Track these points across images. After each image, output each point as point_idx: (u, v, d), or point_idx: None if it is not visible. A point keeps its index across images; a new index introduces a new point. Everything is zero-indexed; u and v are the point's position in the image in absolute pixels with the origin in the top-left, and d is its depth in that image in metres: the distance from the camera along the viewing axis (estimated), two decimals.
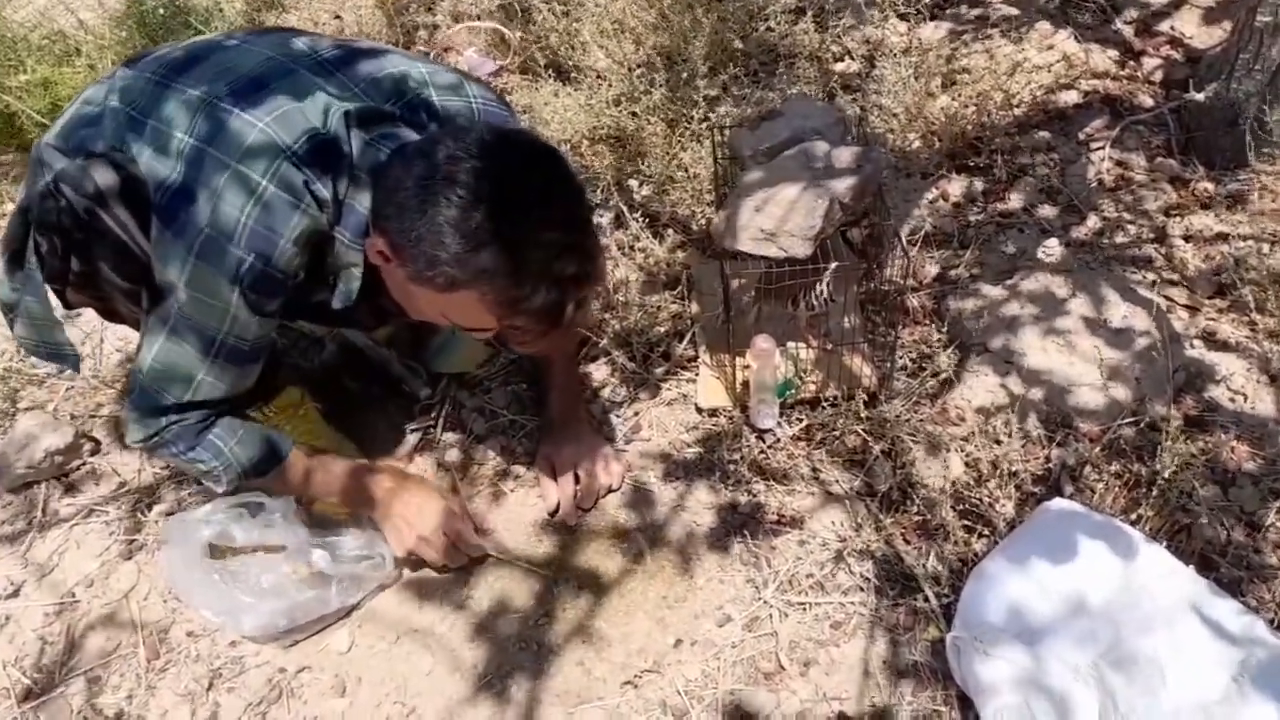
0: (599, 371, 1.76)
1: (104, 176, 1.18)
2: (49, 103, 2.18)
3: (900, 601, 1.39)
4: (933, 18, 2.45)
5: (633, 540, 1.50)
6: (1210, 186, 1.96)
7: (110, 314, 1.35)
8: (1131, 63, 2.27)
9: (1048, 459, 1.54)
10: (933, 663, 1.32)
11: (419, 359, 1.74)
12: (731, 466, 1.57)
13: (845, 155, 1.40)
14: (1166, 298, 1.74)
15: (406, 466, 1.61)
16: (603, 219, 2.03)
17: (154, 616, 1.43)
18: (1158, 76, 2.23)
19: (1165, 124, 2.11)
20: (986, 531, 1.44)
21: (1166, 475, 1.37)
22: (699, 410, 1.67)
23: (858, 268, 1.49)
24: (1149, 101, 2.17)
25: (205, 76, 1.21)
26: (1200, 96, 1.92)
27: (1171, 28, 2.36)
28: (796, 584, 1.42)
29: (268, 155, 1.15)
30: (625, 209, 1.94)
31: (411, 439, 1.66)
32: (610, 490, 1.56)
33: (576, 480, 1.54)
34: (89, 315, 1.91)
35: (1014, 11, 2.38)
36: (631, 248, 1.94)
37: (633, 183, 2.08)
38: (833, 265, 1.39)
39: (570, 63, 2.39)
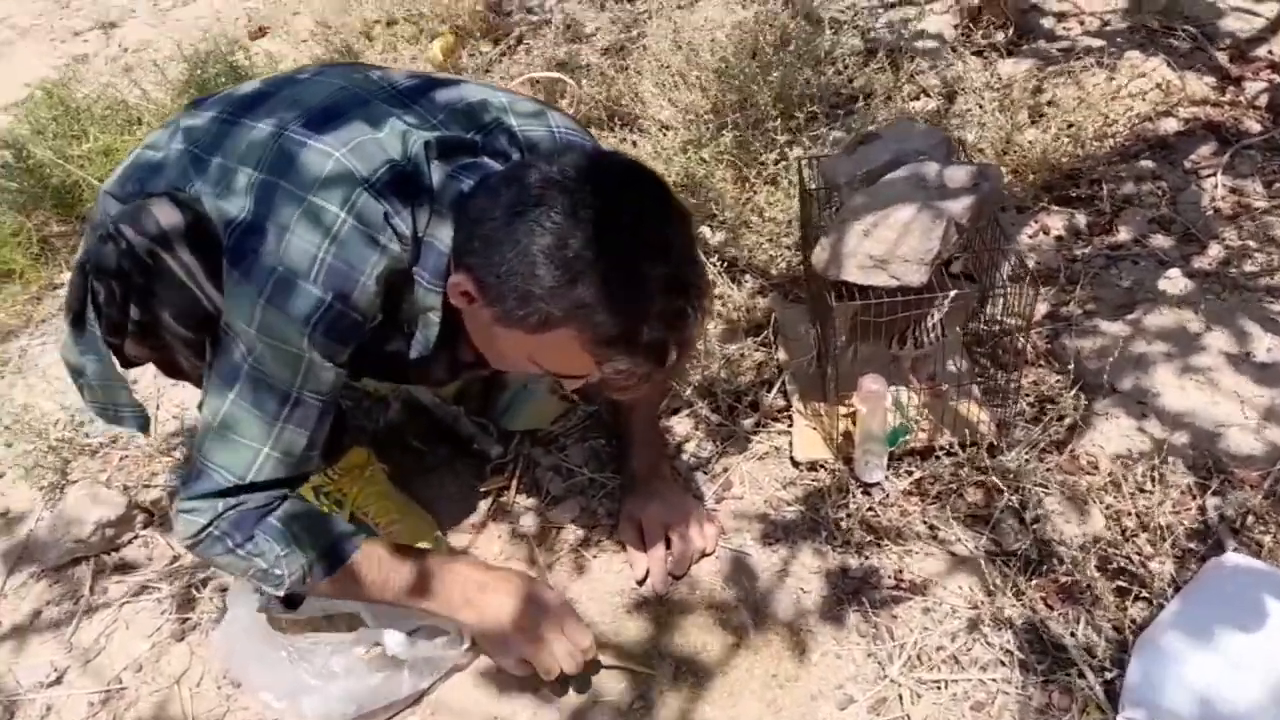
0: (680, 425, 1.62)
1: (167, 216, 1.09)
2: (109, 170, 2.15)
3: (1050, 678, 1.20)
4: (1010, 54, 2.35)
5: (733, 612, 1.34)
6: None
7: (171, 368, 1.25)
8: (1232, 88, 2.14)
9: (1202, 510, 1.36)
10: None
11: (488, 416, 1.62)
12: (839, 525, 1.40)
13: (959, 174, 1.27)
14: None
15: (475, 540, 1.47)
16: None
17: (206, 706, 1.30)
18: (1263, 101, 2.09)
19: (1278, 148, 1.96)
20: (1144, 594, 1.25)
21: None
22: (795, 464, 1.52)
23: (977, 294, 1.34)
24: (1256, 126, 2.03)
25: (275, 110, 1.12)
26: None
27: (1269, 52, 2.22)
28: (926, 658, 1.25)
29: (345, 187, 1.05)
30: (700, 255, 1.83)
31: (483, 503, 1.53)
32: (704, 554, 1.40)
33: (666, 544, 1.39)
34: (144, 381, 1.84)
35: (1099, 42, 2.27)
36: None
37: (705, 229, 1.98)
38: (951, 293, 1.25)
39: (633, 114, 2.32)
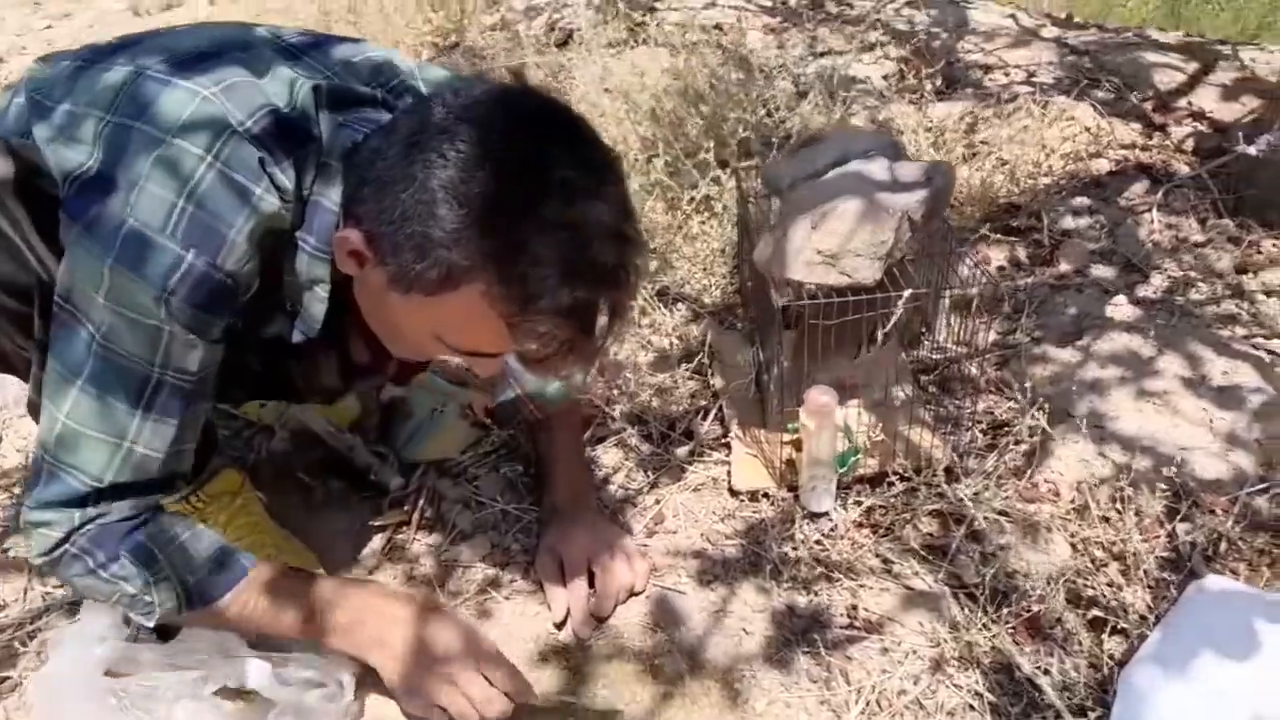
0: (608, 455, 1.46)
1: None
2: None
3: None
4: (940, 99, 2.34)
5: (666, 658, 1.16)
6: (1274, 245, 1.78)
7: None
8: (1158, 134, 2.15)
9: (1171, 536, 1.25)
10: None
11: (389, 447, 1.44)
12: (784, 560, 1.25)
13: (910, 169, 1.18)
14: (1270, 351, 1.51)
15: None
16: None
17: None
18: (1189, 145, 2.10)
19: (1207, 187, 1.95)
20: (1121, 626, 1.13)
21: None
22: (734, 494, 1.37)
23: (929, 294, 1.24)
24: (1185, 169, 2.03)
25: (138, 54, 0.96)
26: (1253, 150, 1.77)
27: (1189, 103, 2.26)
28: (887, 704, 1.08)
29: (212, 129, 0.89)
30: None
31: (378, 540, 1.33)
32: (633, 593, 1.23)
33: (590, 581, 1.21)
34: None
35: (1027, 89, 2.28)
36: (637, 323, 1.69)
37: None
38: (906, 292, 1.14)
39: None
